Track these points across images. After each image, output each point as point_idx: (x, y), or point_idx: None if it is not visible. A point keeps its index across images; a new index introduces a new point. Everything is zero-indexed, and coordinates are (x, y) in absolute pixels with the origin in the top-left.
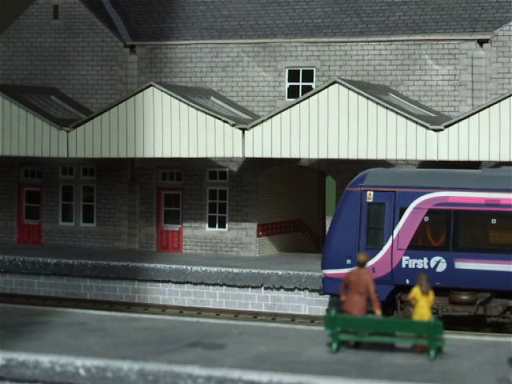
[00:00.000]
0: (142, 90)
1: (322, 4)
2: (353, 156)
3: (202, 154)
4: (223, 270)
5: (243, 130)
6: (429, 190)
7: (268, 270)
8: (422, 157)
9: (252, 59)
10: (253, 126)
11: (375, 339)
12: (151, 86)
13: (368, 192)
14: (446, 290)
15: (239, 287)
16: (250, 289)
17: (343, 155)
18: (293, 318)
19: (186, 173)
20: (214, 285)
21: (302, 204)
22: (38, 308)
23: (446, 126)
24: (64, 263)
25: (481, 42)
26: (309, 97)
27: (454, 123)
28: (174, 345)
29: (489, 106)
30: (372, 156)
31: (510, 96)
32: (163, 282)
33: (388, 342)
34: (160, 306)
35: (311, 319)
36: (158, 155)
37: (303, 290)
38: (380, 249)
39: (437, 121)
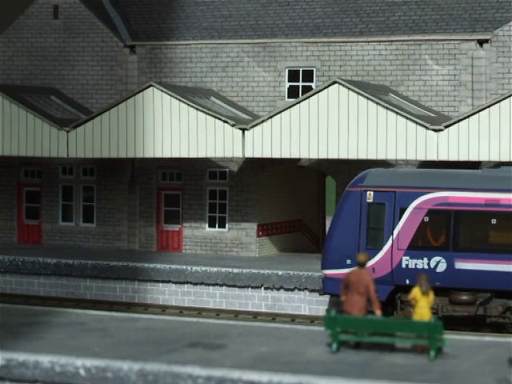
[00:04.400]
0: (142, 90)
1: (322, 4)
2: (353, 156)
3: (201, 154)
4: (223, 270)
5: (243, 130)
6: (429, 190)
7: (268, 270)
8: (421, 157)
9: (252, 59)
10: (253, 126)
11: (375, 339)
12: (151, 86)
13: (368, 192)
14: (446, 290)
15: (239, 287)
16: (249, 289)
17: (343, 155)
18: (293, 318)
19: (186, 173)
20: (213, 285)
21: (302, 204)
22: (38, 308)
23: (446, 126)
24: (64, 263)
25: (481, 42)
26: (309, 97)
27: (454, 123)
28: (174, 345)
29: (489, 106)
30: (372, 156)
31: (510, 96)
32: (163, 282)
33: (388, 342)
34: (160, 306)
35: (311, 319)
36: (158, 155)
37: (303, 290)
38: (380, 249)
39: (437, 121)
